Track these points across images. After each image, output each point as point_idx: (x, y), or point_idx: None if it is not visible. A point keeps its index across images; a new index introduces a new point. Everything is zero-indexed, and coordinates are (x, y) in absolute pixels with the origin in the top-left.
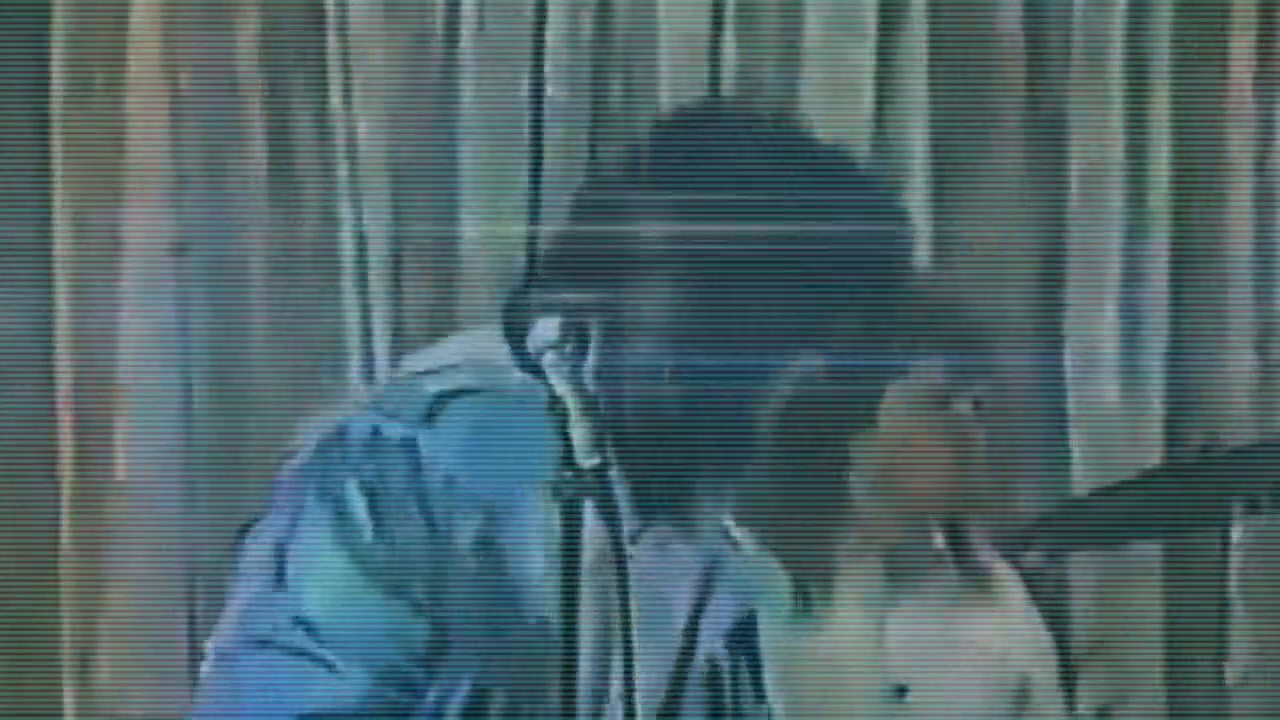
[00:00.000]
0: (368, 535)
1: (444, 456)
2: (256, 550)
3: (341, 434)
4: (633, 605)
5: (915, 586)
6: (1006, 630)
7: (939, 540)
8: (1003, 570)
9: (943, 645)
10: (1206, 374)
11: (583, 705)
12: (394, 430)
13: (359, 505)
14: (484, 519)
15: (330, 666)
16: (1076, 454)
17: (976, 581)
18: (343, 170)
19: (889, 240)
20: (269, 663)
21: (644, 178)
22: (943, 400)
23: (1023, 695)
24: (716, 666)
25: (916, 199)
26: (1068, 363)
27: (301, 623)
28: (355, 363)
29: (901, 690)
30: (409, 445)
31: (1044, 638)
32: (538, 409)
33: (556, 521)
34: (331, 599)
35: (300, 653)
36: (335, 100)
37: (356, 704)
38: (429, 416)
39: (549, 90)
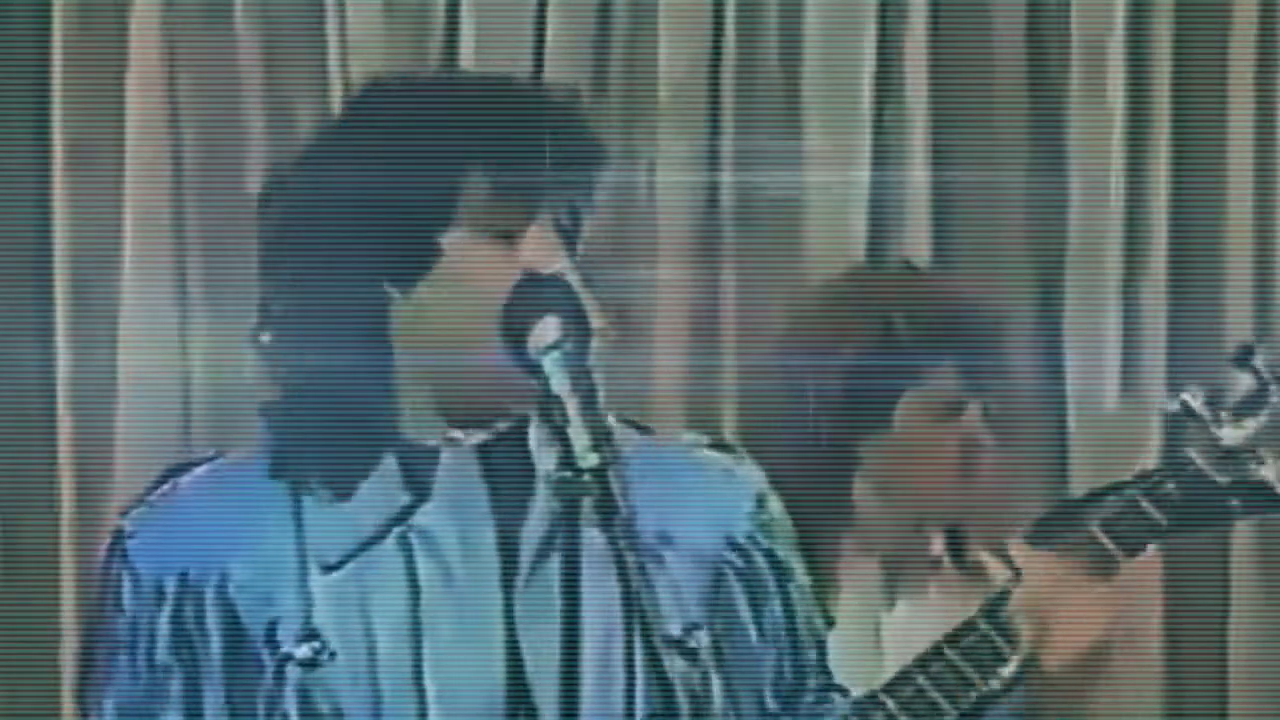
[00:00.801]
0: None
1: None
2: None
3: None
4: (635, 607)
5: (913, 589)
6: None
7: (936, 544)
8: (1000, 572)
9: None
10: (1206, 374)
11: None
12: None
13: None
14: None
15: None
16: (1076, 454)
17: (974, 584)
18: None
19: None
20: None
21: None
22: (955, 406)
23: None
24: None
25: (916, 199)
26: (1068, 363)
27: None
28: None
29: None
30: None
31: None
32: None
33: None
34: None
35: None
36: (335, 100)
37: None
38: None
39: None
